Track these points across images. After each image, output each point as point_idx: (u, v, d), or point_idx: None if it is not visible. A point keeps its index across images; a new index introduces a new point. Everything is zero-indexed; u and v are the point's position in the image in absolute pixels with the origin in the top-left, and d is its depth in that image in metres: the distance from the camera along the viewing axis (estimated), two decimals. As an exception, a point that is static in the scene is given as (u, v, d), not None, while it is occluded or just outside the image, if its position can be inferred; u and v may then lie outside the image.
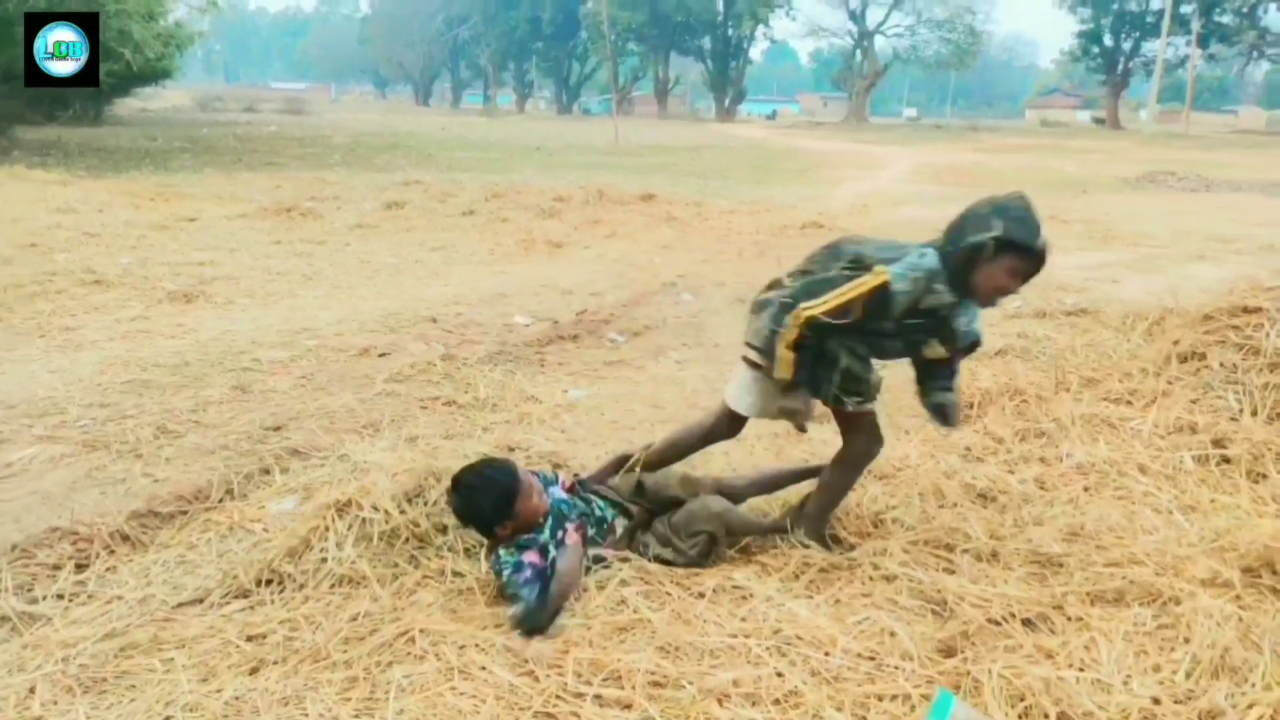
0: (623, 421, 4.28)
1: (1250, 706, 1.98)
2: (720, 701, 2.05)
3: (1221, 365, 3.74)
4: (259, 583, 2.66)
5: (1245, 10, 50.01)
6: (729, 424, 3.04)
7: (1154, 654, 2.19)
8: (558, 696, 2.09)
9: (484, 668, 2.23)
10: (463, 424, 4.13)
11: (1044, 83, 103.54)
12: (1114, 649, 2.21)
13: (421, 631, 2.38)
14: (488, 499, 2.64)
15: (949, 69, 67.27)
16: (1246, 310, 3.86)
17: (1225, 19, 50.93)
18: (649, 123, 51.65)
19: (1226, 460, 3.31)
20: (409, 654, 2.31)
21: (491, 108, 73.64)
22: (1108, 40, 56.36)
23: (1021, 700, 1.98)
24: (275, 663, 2.28)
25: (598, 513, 2.88)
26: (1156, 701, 2.05)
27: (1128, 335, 4.74)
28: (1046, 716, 1.93)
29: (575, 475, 3.14)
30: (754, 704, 2.04)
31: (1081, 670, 2.16)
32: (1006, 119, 79.01)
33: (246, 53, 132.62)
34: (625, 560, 2.76)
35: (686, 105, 79.18)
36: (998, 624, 2.33)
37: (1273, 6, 49.35)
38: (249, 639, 2.40)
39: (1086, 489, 3.25)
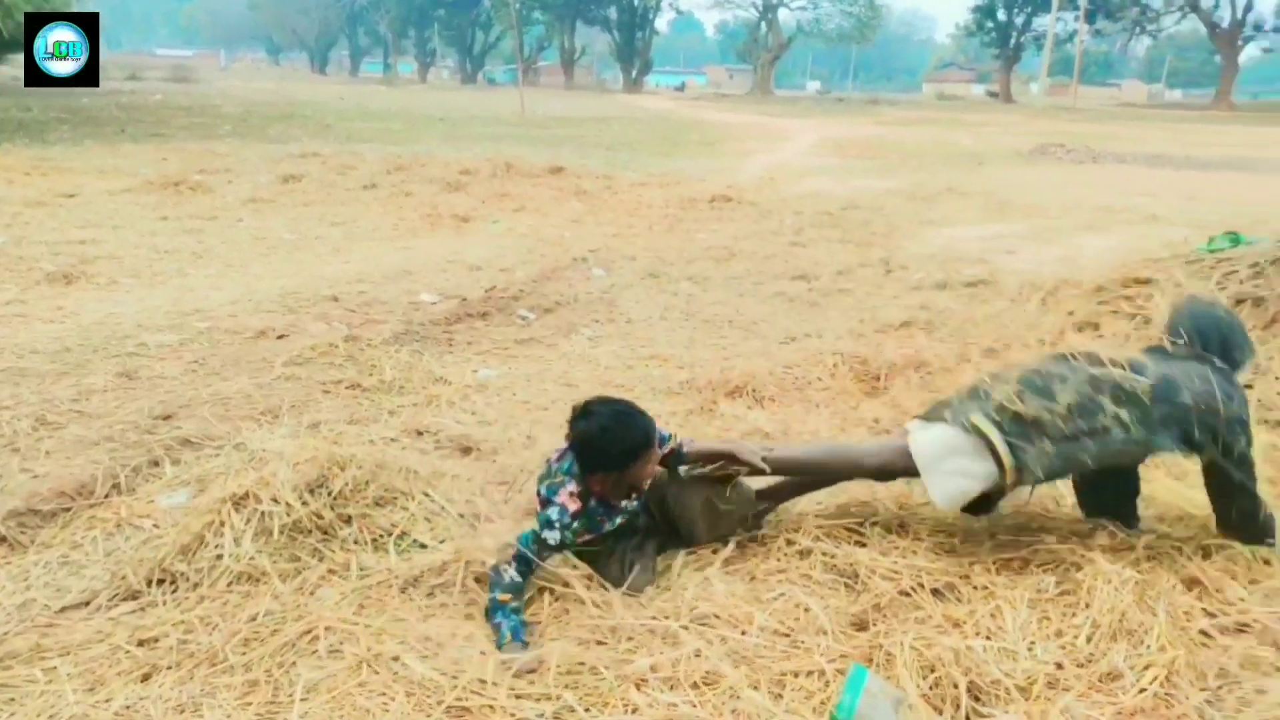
0: (535, 401, 4.21)
1: (1146, 668, 2.07)
2: (638, 686, 2.03)
3: (1115, 334, 3.89)
4: (150, 583, 2.51)
5: (1128, -13, 52.32)
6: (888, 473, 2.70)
7: (1056, 620, 2.26)
8: (472, 691, 2.03)
9: (396, 658, 2.16)
10: (368, 408, 3.99)
11: (941, 57, 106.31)
12: (1019, 616, 2.27)
13: (327, 629, 2.28)
14: (619, 444, 2.47)
15: (850, 43, 68.44)
16: (1137, 281, 4.02)
17: (1110, -4, 53.17)
18: (555, 93, 50.98)
19: (1119, 426, 3.44)
20: (314, 652, 2.21)
21: (392, 76, 71.51)
22: (1001, 15, 58.20)
23: (932, 671, 2.02)
24: (169, 668, 2.16)
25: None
26: (1059, 666, 2.12)
27: (1024, 306, 4.89)
28: (956, 686, 1.97)
29: (678, 443, 2.76)
30: (672, 687, 2.03)
31: (989, 639, 2.21)
32: (905, 92, 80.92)
33: (127, 18, 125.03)
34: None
35: (593, 76, 78.57)
36: (908, 595, 2.38)
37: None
38: (140, 644, 2.26)
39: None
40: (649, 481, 2.62)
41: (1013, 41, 58.24)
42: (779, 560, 2.65)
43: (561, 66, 68.07)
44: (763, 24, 62.63)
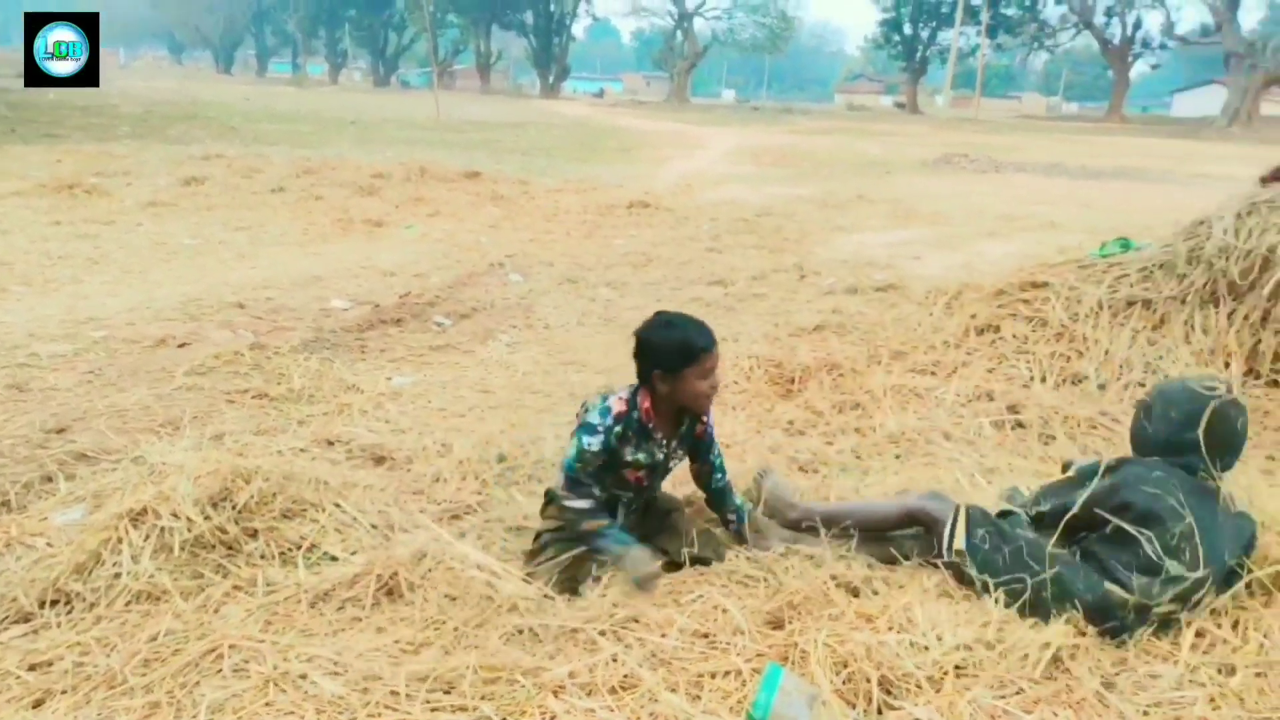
0: (451, 409, 4.15)
1: (1046, 645, 2.15)
2: (556, 693, 2.01)
3: (1014, 336, 4.04)
4: (42, 604, 2.38)
5: (1027, 3, 54.56)
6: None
7: (966, 608, 2.33)
8: (385, 706, 1.99)
9: (304, 676, 2.09)
10: (275, 418, 3.87)
11: (850, 68, 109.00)
12: (930, 608, 2.34)
13: (232, 647, 2.20)
14: (680, 338, 2.51)
15: (764, 52, 69.67)
16: (1034, 285, 4.18)
17: (1010, 11, 55.35)
18: (471, 97, 50.44)
19: (1020, 425, 3.59)
20: (218, 672, 2.13)
21: (302, 77, 69.61)
22: (907, 29, 59.98)
23: (845, 666, 2.06)
24: (64, 693, 2.05)
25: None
26: (969, 648, 2.19)
27: (930, 309, 5.04)
28: (868, 680, 2.01)
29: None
30: (590, 693, 2.02)
31: (901, 632, 2.27)
32: (817, 102, 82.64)
33: (17, 13, 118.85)
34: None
35: (510, 80, 78.02)
36: (823, 593, 2.41)
37: (1050, 0, 54.13)
38: (31, 668, 2.14)
39: (898, 456, 3.43)
40: (702, 407, 2.64)
41: (918, 55, 60.10)
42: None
43: (477, 70, 67.41)
44: (678, 32, 63.20)
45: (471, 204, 10.47)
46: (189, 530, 2.60)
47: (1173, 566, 2.23)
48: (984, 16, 51.65)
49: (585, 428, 2.56)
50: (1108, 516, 2.31)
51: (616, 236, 9.18)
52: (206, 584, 2.50)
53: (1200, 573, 2.23)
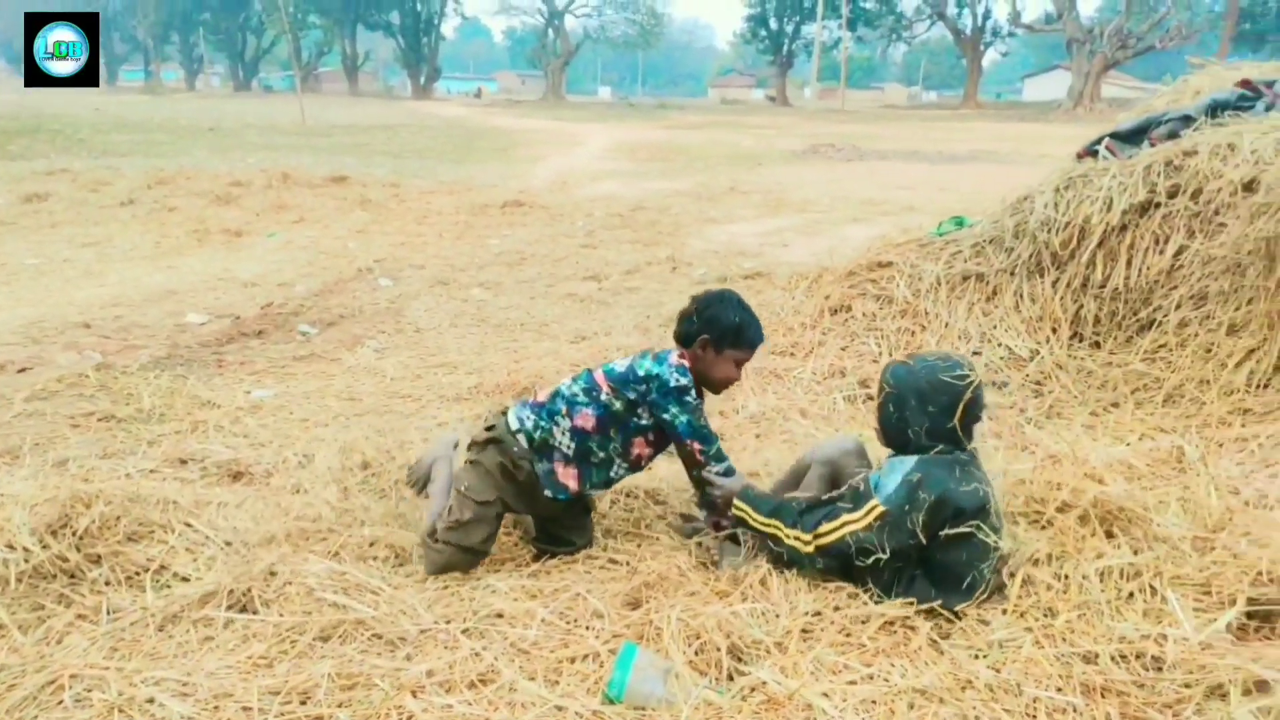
0: (315, 418, 4.05)
1: (887, 622, 2.27)
2: (415, 694, 2.01)
3: (864, 314, 4.23)
4: None
5: (884, -4, 56.81)
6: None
7: (819, 578, 2.44)
8: (237, 724, 1.94)
9: (151, 700, 2.02)
10: (124, 440, 3.69)
11: (722, 63, 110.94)
12: (784, 580, 2.43)
13: (74, 676, 2.10)
14: (736, 319, 2.58)
15: (636, 49, 70.23)
16: (881, 265, 4.39)
17: (869, 4, 57.42)
18: (339, 100, 49.01)
19: (870, 398, 3.75)
20: (59, 704, 2.03)
21: (155, 85, 66.05)
22: (773, 24, 61.47)
23: (697, 638, 2.13)
24: (-116, 745, 1.92)
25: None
26: (818, 614, 2.29)
27: (792, 293, 5.21)
28: (719, 649, 2.09)
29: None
30: (449, 690, 2.02)
31: (754, 603, 2.36)
32: (692, 97, 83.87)
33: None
34: None
35: (379, 82, 76.11)
36: (679, 573, 2.48)
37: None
38: None
39: (758, 435, 3.55)
40: (719, 390, 2.71)
41: (785, 49, 61.70)
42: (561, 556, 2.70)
43: (344, 72, 65.48)
44: (550, 30, 63.02)
45: (338, 209, 10.21)
46: (25, 561, 2.47)
47: (1003, 545, 2.39)
48: (844, 10, 53.41)
49: (679, 389, 2.56)
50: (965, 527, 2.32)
51: (491, 236, 9.11)
52: (48, 615, 2.38)
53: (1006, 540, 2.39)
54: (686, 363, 2.60)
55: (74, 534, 2.59)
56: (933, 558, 2.35)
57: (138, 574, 2.56)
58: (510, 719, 1.94)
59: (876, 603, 2.34)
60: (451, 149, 20.58)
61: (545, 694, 2.00)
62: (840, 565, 2.37)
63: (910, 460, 2.40)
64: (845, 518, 2.33)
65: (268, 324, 5.62)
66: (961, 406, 2.37)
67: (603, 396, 2.62)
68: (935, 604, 2.32)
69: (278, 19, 45.74)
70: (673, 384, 2.55)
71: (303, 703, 2.03)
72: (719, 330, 2.58)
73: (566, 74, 65.53)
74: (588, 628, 2.25)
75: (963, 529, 2.30)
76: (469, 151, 20.15)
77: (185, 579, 2.58)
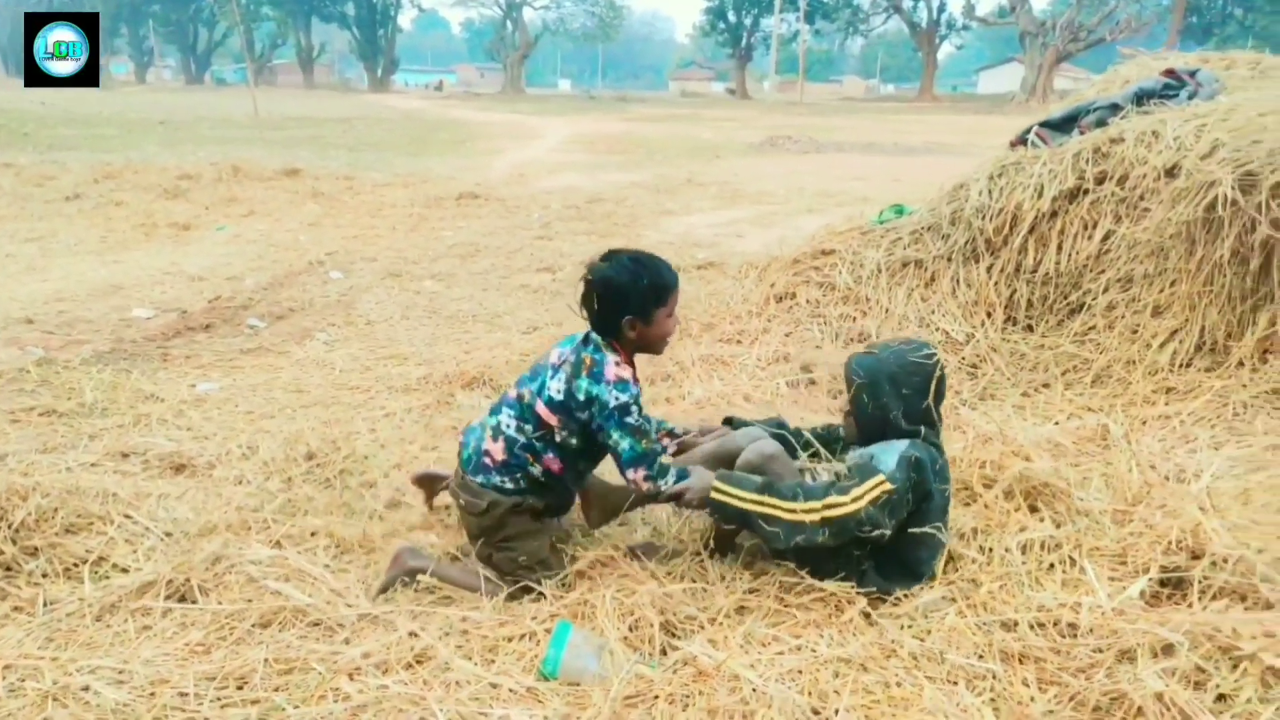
0: (260, 410, 4.03)
1: (823, 597, 2.34)
2: (351, 676, 2.04)
3: (808, 301, 4.31)
4: None
5: (841, -10, 57.27)
6: None
7: (756, 558, 2.50)
8: (172, 708, 1.96)
9: (86, 688, 2.03)
10: (65, 434, 3.65)
11: (682, 56, 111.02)
12: (721, 562, 2.49)
13: (7, 667, 2.11)
14: (645, 279, 2.30)
15: (595, 41, 70.04)
16: (824, 253, 4.46)
17: (826, -2, 57.91)
18: (294, 93, 48.32)
19: (813, 382, 3.84)
20: (-9, 695, 2.03)
21: (105, 78, 64.50)
22: (731, 17, 61.64)
23: (631, 615, 2.18)
24: None
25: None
26: (753, 591, 2.35)
27: (741, 282, 5.28)
28: (652, 625, 2.14)
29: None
30: (385, 671, 2.05)
31: (693, 582, 2.41)
32: (652, 90, 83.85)
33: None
34: None
35: (335, 74, 75.11)
36: (616, 557, 2.53)
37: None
38: None
39: (702, 421, 3.60)
40: (662, 350, 2.51)
41: (744, 41, 61.92)
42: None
43: (299, 65, 64.53)
44: (508, 22, 62.63)
45: (290, 202, 10.09)
46: (-42, 556, 2.45)
47: (953, 544, 2.47)
48: (802, 3, 53.76)
49: (621, 408, 2.30)
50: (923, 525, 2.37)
51: (445, 229, 9.07)
52: (-19, 608, 2.37)
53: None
54: (622, 359, 2.39)
55: (9, 527, 2.58)
56: (891, 550, 2.37)
57: (75, 566, 2.56)
58: (445, 697, 1.98)
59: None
60: (408, 142, 20.40)
61: (481, 672, 2.04)
62: (835, 541, 2.27)
63: (903, 441, 2.40)
64: (856, 492, 2.25)
65: (215, 318, 5.57)
66: (934, 384, 2.42)
67: (558, 437, 2.41)
68: (888, 590, 2.38)
69: (230, 10, 44.90)
70: (612, 404, 2.30)
71: (239, 687, 2.05)
72: (637, 302, 2.33)
73: (526, 67, 65.18)
74: (525, 610, 2.29)
75: (927, 529, 2.34)
76: (426, 144, 19.99)
77: (124, 570, 2.58)
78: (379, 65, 63.00)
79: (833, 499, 2.25)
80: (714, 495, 2.32)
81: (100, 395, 4.04)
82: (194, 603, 2.38)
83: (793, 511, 2.26)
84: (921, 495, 2.33)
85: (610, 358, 2.36)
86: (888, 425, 2.43)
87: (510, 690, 2.00)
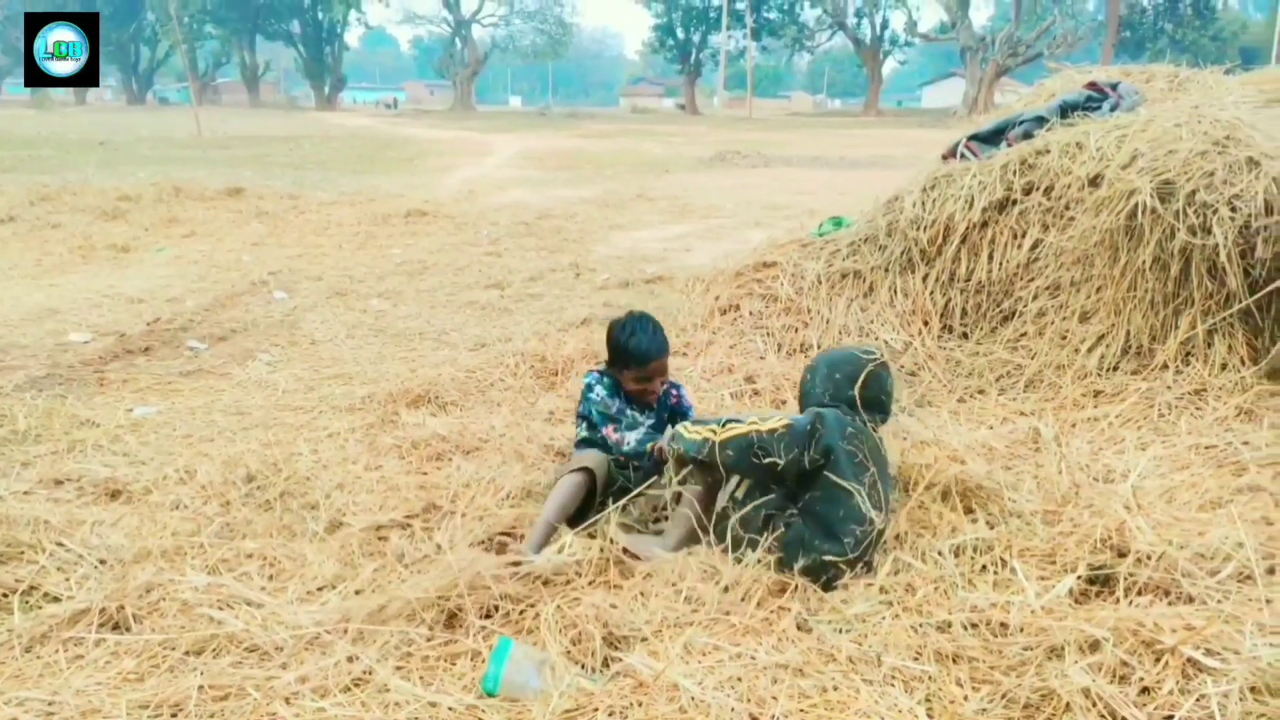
0: (199, 434, 3.96)
1: (758, 602, 2.38)
2: (288, 700, 2.02)
3: (751, 313, 4.37)
4: None
5: (786, 7, 58.07)
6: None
7: (699, 574, 2.50)
8: (102, 737, 1.92)
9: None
10: (-5, 462, 3.56)
11: (632, 72, 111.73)
12: (665, 581, 2.50)
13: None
14: (620, 342, 3.05)
15: (545, 58, 70.17)
16: (766, 265, 4.53)
17: (772, 15, 58.68)
18: (238, 112, 47.63)
19: (756, 392, 3.89)
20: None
21: (42, 98, 62.98)
22: (680, 33, 62.20)
23: (574, 628, 2.19)
24: None
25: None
26: (693, 601, 2.37)
27: (688, 295, 5.33)
28: (593, 639, 2.15)
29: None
30: (323, 695, 2.03)
31: (640, 597, 2.43)
32: (603, 106, 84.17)
33: None
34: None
35: (281, 93, 74.23)
36: (566, 572, 2.53)
37: (808, 4, 57.77)
38: None
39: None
40: (645, 401, 3.15)
41: (692, 58, 62.51)
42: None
43: (244, 83, 63.66)
44: (457, 40, 62.50)
45: (233, 222, 9.95)
46: (-124, 591, 2.38)
47: (878, 519, 2.52)
48: (749, 20, 54.47)
49: (585, 388, 3.20)
50: (836, 480, 2.49)
51: (392, 246, 9.02)
52: (-99, 643, 2.30)
53: (885, 518, 2.54)
54: (603, 368, 3.18)
55: (-68, 559, 2.51)
56: (810, 508, 2.52)
57: (5, 596, 2.50)
58: (383, 718, 1.97)
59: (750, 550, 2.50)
60: (355, 160, 20.24)
61: (419, 692, 2.03)
62: (736, 459, 2.56)
63: (816, 408, 2.67)
64: (754, 421, 2.59)
65: (154, 340, 5.47)
66: (863, 377, 2.68)
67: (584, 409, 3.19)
68: (815, 557, 2.45)
69: (171, 29, 44.15)
70: (584, 383, 3.18)
71: (173, 715, 2.02)
72: (612, 354, 3.09)
73: (475, 84, 65.05)
74: (467, 626, 2.28)
75: (840, 481, 2.47)
76: (374, 162, 19.85)
77: (56, 598, 2.52)
78: (326, 83, 62.41)
79: (732, 424, 2.61)
80: (679, 433, 2.69)
81: (34, 422, 3.94)
82: (128, 631, 2.33)
83: (704, 432, 2.63)
84: (824, 450, 2.50)
85: (594, 378, 3.18)
86: (815, 400, 2.75)
87: (450, 709, 1.99)
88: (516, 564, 2.45)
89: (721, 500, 2.69)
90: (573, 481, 2.83)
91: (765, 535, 2.53)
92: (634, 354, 3.01)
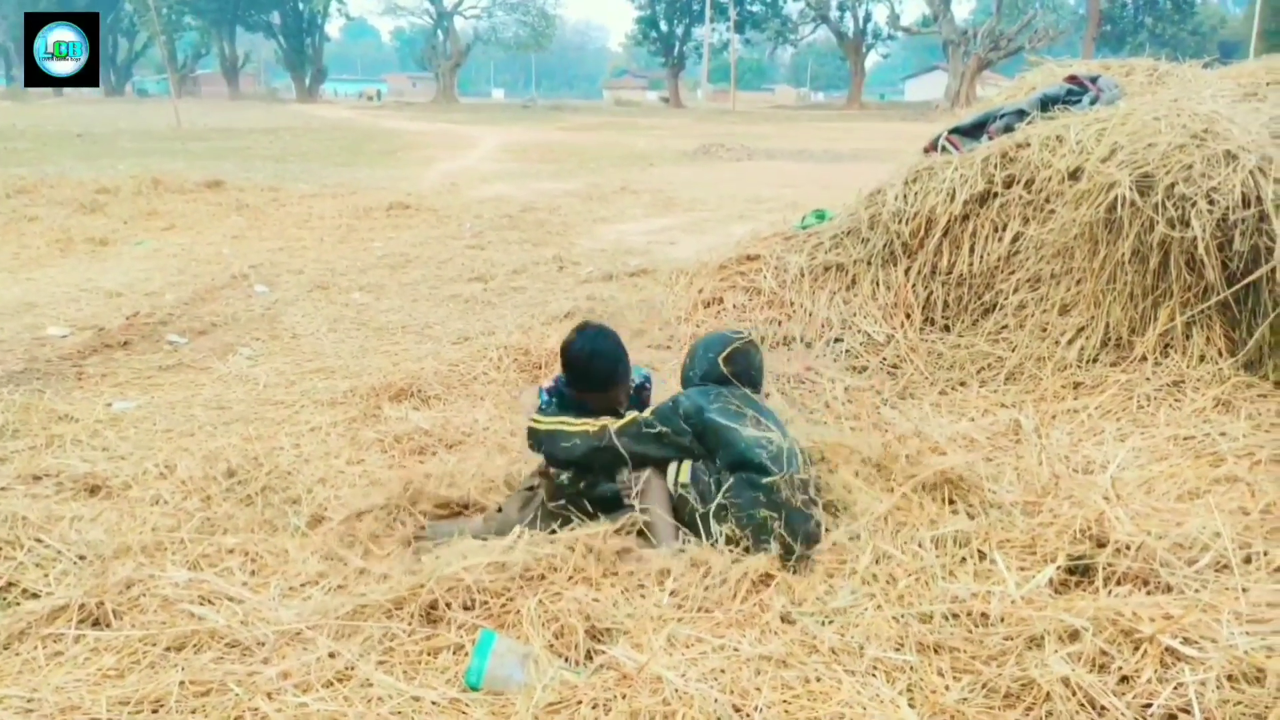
0: (179, 429, 3.94)
1: (744, 575, 2.39)
2: (270, 696, 2.01)
3: (734, 306, 4.38)
4: None
5: (769, 0, 58.01)
6: None
7: (686, 572, 2.51)
8: (81, 735, 1.90)
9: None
10: (-29, 459, 3.52)
11: (615, 65, 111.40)
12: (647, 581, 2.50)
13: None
14: (570, 361, 2.85)
15: (528, 50, 69.84)
16: (749, 258, 4.54)
17: (755, 8, 58.60)
18: (218, 104, 47.22)
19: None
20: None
21: (18, 90, 62.13)
22: (663, 26, 62.01)
23: (556, 621, 2.19)
24: None
25: None
26: (675, 594, 2.38)
27: (672, 289, 5.33)
28: (575, 631, 2.15)
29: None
30: (305, 690, 2.02)
31: (624, 593, 2.43)
32: (586, 99, 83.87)
33: None
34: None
35: (261, 84, 73.56)
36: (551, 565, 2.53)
37: (789, -4, 57.78)
38: None
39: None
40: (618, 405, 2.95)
41: (676, 50, 62.35)
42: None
43: (224, 75, 63.04)
44: (439, 31, 62.10)
45: (213, 215, 9.87)
46: None
47: (776, 437, 2.66)
48: (732, 13, 54.39)
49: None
50: (723, 423, 2.66)
51: (374, 240, 8.96)
52: None
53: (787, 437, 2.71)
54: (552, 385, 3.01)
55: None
56: (725, 459, 2.66)
57: (-37, 600, 2.47)
58: (366, 713, 1.96)
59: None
60: (337, 152, 20.10)
61: (402, 686, 2.03)
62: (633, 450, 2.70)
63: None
64: (631, 412, 2.80)
65: (133, 335, 5.42)
66: (727, 352, 2.86)
67: None
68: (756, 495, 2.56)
69: (150, 20, 43.62)
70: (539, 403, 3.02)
71: (154, 711, 2.00)
72: (571, 377, 2.91)
73: (458, 76, 64.67)
74: (451, 620, 2.28)
75: (722, 422, 2.65)
76: (355, 154, 19.72)
77: (35, 595, 2.50)
78: (307, 75, 61.88)
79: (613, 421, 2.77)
80: (530, 423, 2.84)
81: (11, 417, 3.90)
82: (107, 627, 2.32)
83: (579, 426, 2.76)
84: (692, 411, 2.70)
85: (545, 400, 3.03)
86: (689, 380, 2.92)
87: (433, 703, 1.99)
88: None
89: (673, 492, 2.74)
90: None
91: (720, 497, 2.62)
92: (595, 379, 2.84)
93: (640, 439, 2.71)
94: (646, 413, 2.77)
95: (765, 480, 2.56)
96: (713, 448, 2.68)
